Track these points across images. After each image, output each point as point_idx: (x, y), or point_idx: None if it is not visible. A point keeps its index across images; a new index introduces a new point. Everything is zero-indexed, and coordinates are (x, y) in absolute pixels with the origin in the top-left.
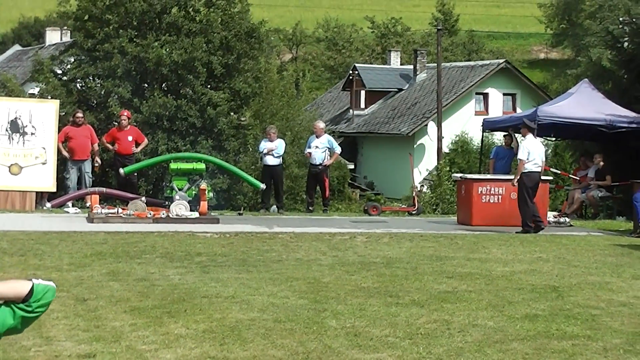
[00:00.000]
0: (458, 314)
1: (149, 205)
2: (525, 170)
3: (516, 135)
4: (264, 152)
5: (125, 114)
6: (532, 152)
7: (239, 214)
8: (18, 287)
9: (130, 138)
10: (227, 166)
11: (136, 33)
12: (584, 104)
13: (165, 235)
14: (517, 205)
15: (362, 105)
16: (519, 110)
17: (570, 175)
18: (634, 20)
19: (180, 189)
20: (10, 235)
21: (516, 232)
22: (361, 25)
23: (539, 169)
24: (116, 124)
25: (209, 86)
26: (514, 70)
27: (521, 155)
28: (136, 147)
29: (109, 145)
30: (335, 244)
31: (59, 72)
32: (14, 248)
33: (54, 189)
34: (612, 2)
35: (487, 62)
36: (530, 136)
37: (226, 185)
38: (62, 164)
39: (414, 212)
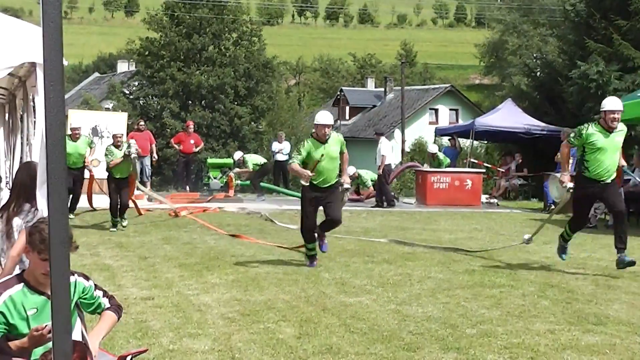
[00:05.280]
0: (417, 269)
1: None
2: (388, 162)
3: (459, 139)
4: (275, 151)
5: (192, 123)
6: (390, 150)
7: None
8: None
9: (192, 141)
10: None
11: (183, 65)
12: (508, 116)
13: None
14: (378, 187)
15: (347, 117)
16: (460, 121)
17: (498, 168)
18: (544, 56)
19: (215, 178)
20: (89, 212)
21: (371, 207)
22: (346, 59)
23: (392, 162)
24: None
25: (235, 103)
26: (457, 92)
27: (385, 152)
28: (196, 148)
29: (176, 145)
30: None
31: (127, 92)
32: (94, 221)
33: None
34: (528, 42)
35: (437, 86)
36: (383, 139)
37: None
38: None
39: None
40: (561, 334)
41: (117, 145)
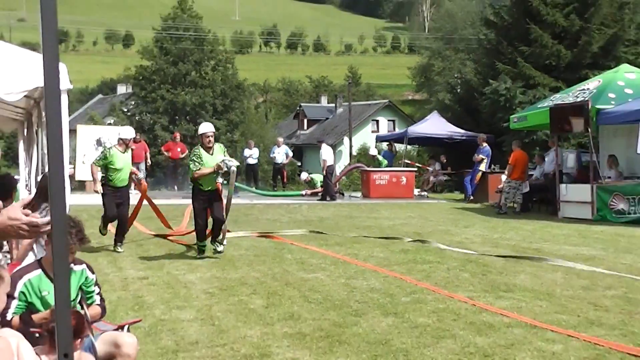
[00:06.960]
0: (362, 250)
1: None
2: (328, 164)
3: (395, 144)
4: (246, 156)
5: (178, 134)
6: (329, 154)
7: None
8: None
9: (179, 149)
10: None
11: (170, 87)
12: (435, 125)
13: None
14: (324, 183)
15: (305, 127)
16: (397, 130)
17: (427, 167)
18: (463, 76)
19: None
20: (88, 210)
21: (317, 200)
22: (304, 81)
23: (332, 163)
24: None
25: (214, 117)
26: (394, 106)
27: (325, 156)
28: (182, 155)
29: (166, 152)
30: (290, 210)
31: (125, 110)
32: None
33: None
34: (450, 65)
35: (378, 101)
36: (324, 145)
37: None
38: None
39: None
40: (478, 299)
41: (207, 147)
